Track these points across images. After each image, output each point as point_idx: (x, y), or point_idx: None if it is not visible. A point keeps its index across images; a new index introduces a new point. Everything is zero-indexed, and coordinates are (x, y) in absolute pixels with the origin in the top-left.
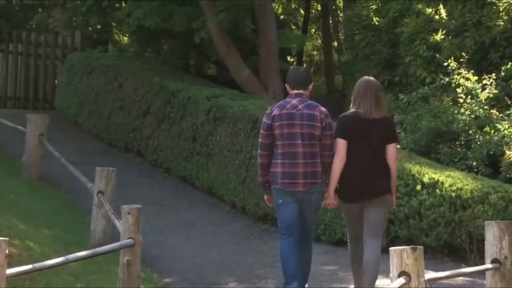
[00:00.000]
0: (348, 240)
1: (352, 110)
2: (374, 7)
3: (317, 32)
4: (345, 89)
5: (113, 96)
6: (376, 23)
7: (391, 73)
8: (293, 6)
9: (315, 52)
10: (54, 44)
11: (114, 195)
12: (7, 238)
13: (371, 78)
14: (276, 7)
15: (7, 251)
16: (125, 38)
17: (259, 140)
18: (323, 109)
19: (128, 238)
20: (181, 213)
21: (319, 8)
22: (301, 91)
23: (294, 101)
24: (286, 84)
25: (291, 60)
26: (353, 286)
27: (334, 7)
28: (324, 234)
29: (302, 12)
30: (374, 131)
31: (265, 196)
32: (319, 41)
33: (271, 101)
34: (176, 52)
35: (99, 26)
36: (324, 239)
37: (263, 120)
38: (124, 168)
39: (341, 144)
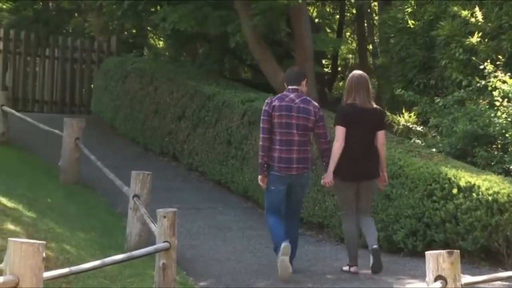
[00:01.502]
0: (344, 219)
1: (348, 102)
2: (409, 10)
3: (352, 36)
4: (380, 92)
5: (149, 100)
6: (412, 26)
7: (426, 76)
8: (328, 10)
9: (350, 56)
10: (90, 49)
11: (149, 198)
12: (44, 242)
13: (362, 72)
14: (311, 10)
15: (44, 254)
16: (161, 42)
17: (261, 125)
18: (315, 104)
19: (164, 242)
20: (216, 217)
21: (354, 12)
22: (296, 87)
23: (292, 95)
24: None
25: (326, 63)
26: (345, 266)
27: (369, 10)
28: (359, 237)
29: (337, 15)
30: (368, 119)
31: (260, 176)
32: (354, 44)
33: None
34: (211, 56)
35: (134, 31)
36: (360, 243)
37: (264, 108)
38: (159, 171)
39: (340, 131)
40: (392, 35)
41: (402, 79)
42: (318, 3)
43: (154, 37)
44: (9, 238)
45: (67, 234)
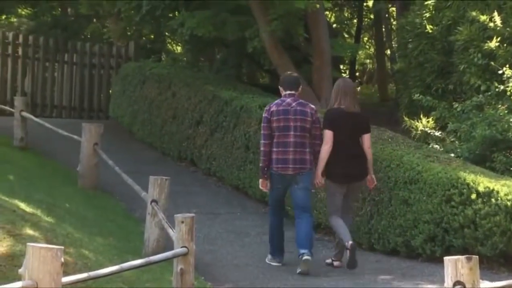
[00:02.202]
0: (331, 217)
1: (335, 106)
2: (427, 15)
3: (369, 41)
4: (398, 97)
5: (167, 105)
6: (430, 31)
7: (445, 81)
8: (346, 15)
9: (368, 61)
10: (109, 54)
11: (167, 203)
12: (62, 247)
13: (347, 78)
14: (329, 15)
15: (62, 259)
16: (179, 48)
17: (262, 131)
18: (312, 106)
19: (182, 247)
20: (234, 222)
21: (372, 17)
22: (293, 92)
23: (289, 100)
24: (279, 86)
25: (344, 68)
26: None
27: (387, 15)
28: (378, 243)
29: (354, 20)
30: (353, 123)
31: (260, 180)
32: (372, 49)
33: (324, 109)
34: (229, 61)
35: (152, 36)
36: (378, 248)
37: (264, 115)
38: (177, 177)
39: (329, 135)
40: (410, 40)
41: (420, 84)
42: (336, 8)
43: (172, 42)
44: (28, 243)
45: (86, 239)
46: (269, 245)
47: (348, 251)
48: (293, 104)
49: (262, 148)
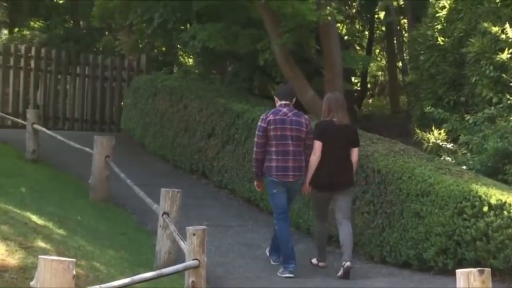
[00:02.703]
0: (317, 221)
1: (327, 119)
2: (439, 27)
3: (381, 53)
4: (410, 109)
5: (178, 117)
6: (441, 43)
7: (456, 94)
8: (357, 27)
9: (380, 73)
10: (120, 67)
11: (179, 216)
12: (74, 259)
13: (337, 93)
14: (341, 27)
15: (74, 272)
16: (190, 60)
17: (256, 139)
18: (306, 116)
19: (193, 259)
20: (246, 235)
21: (384, 29)
22: (288, 102)
23: (285, 110)
24: (275, 96)
25: (356, 80)
26: (314, 259)
27: (398, 28)
28: (390, 255)
29: (366, 32)
30: (344, 135)
31: (255, 182)
32: (384, 61)
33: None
34: (240, 74)
35: (164, 49)
36: (390, 261)
37: (259, 124)
38: (189, 189)
39: (318, 146)
40: (421, 52)
41: (432, 96)
42: (347, 21)
43: (184, 55)
44: (40, 256)
45: (97, 251)
46: (280, 256)
47: (342, 269)
48: (289, 114)
49: (255, 156)
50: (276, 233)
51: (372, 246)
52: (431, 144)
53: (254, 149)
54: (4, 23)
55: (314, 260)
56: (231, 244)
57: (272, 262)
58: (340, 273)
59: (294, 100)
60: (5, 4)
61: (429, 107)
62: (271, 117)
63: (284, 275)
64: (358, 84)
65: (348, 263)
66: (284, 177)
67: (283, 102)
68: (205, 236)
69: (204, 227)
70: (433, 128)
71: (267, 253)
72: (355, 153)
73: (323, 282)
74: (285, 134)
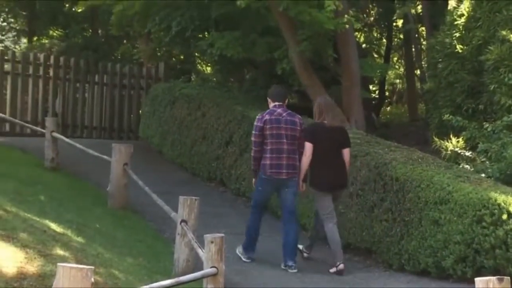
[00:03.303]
0: (326, 223)
1: (318, 121)
2: (457, 34)
3: (399, 61)
4: (428, 117)
5: (196, 125)
6: (460, 51)
7: (475, 101)
8: (375, 35)
9: (398, 81)
10: (139, 75)
11: (197, 224)
12: (92, 267)
13: (327, 97)
14: (358, 36)
15: (92, 280)
16: (208, 68)
17: (253, 138)
18: (299, 116)
19: (211, 267)
20: (264, 242)
21: (402, 37)
22: (281, 103)
23: (279, 110)
24: (268, 98)
25: (374, 88)
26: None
27: (416, 35)
28: (408, 264)
29: (384, 40)
30: (336, 137)
31: (254, 180)
32: (402, 69)
33: (355, 130)
34: (258, 82)
35: (182, 57)
36: (408, 269)
37: (256, 123)
38: (206, 197)
39: (309, 147)
40: (440, 60)
41: (450, 104)
42: (365, 29)
43: (202, 63)
44: (58, 263)
45: (116, 259)
46: (245, 238)
47: (336, 269)
48: (284, 114)
49: (253, 155)
50: (248, 222)
51: (390, 254)
52: (449, 152)
53: (252, 147)
54: (23, 31)
55: (300, 247)
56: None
57: (244, 260)
58: (333, 270)
59: (286, 101)
60: (24, 13)
61: (448, 115)
62: (267, 117)
63: (243, 257)
64: (376, 92)
65: (341, 265)
66: (278, 174)
67: (276, 103)
68: (223, 244)
69: (222, 235)
70: (451, 136)
71: (238, 253)
72: (346, 153)
73: None
74: (280, 133)
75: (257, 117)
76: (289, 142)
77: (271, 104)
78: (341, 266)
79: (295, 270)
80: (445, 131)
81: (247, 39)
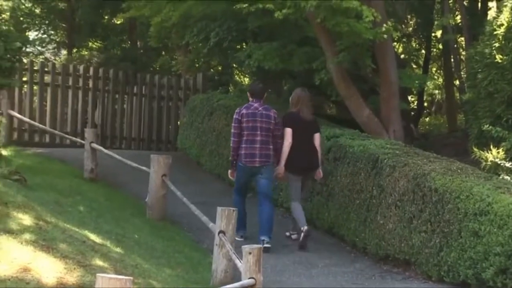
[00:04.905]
0: (292, 201)
1: (294, 110)
2: (497, 44)
3: (438, 71)
4: (467, 128)
5: None
6: (500, 61)
7: None
8: (414, 45)
9: (437, 91)
10: (177, 86)
11: (235, 234)
12: (131, 277)
13: (305, 89)
14: (397, 46)
15: None
16: (246, 79)
17: (232, 130)
18: (274, 110)
19: (249, 278)
20: (302, 253)
21: (440, 47)
22: (258, 99)
23: (256, 105)
24: (248, 93)
25: (412, 99)
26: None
27: (455, 46)
28: (448, 275)
29: (423, 51)
30: (308, 125)
31: (229, 171)
32: (441, 80)
33: (392, 140)
34: None
35: (220, 68)
36: (448, 280)
37: (234, 116)
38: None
39: (289, 132)
40: (479, 70)
41: (490, 115)
42: (404, 39)
43: (240, 74)
44: (98, 274)
45: (154, 270)
46: (245, 231)
47: (302, 234)
48: (260, 108)
49: (231, 145)
50: (233, 202)
51: (429, 266)
52: (489, 162)
53: (231, 138)
54: (63, 43)
55: (288, 233)
56: (287, 262)
57: (237, 238)
58: (295, 236)
59: (264, 96)
60: (64, 25)
61: (487, 125)
62: (244, 111)
63: (236, 237)
64: (415, 103)
65: (306, 227)
66: (251, 162)
67: (254, 98)
68: (261, 255)
69: (260, 245)
70: (491, 146)
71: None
72: (317, 138)
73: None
74: (255, 126)
75: (236, 110)
76: (264, 134)
77: (250, 99)
78: (305, 227)
79: (269, 245)
80: (484, 141)
81: (285, 49)
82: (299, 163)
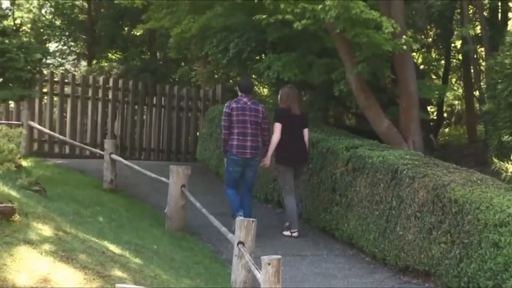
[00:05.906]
0: (286, 196)
1: (284, 106)
2: None
3: (458, 82)
4: (487, 138)
5: None
6: None
7: None
8: (433, 56)
9: (456, 102)
10: (196, 97)
11: (254, 245)
12: None
13: (293, 86)
14: (416, 57)
15: None
16: (265, 90)
17: (222, 123)
18: (262, 105)
19: None
20: (321, 264)
21: (460, 57)
22: (247, 94)
23: (245, 99)
24: (236, 88)
25: (432, 110)
26: (287, 232)
27: (475, 56)
28: (468, 286)
29: (442, 61)
30: (298, 121)
31: (225, 159)
32: (460, 90)
33: (411, 151)
34: (315, 103)
35: (239, 79)
36: None
37: (224, 110)
38: (264, 218)
39: (278, 127)
40: (499, 80)
41: (510, 125)
42: (423, 49)
43: (259, 84)
44: (117, 284)
45: (173, 280)
46: (231, 207)
47: (291, 233)
48: (248, 103)
49: (222, 136)
50: (228, 196)
51: (449, 277)
52: (509, 173)
53: (222, 131)
54: (83, 55)
55: (286, 233)
56: (306, 273)
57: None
58: (286, 233)
59: (252, 92)
60: (84, 36)
61: (507, 136)
62: (234, 105)
63: (238, 215)
64: (434, 113)
65: (296, 233)
66: (243, 154)
67: (243, 93)
68: (280, 266)
69: (279, 256)
70: (511, 157)
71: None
72: (306, 133)
73: None
74: (245, 119)
75: (226, 104)
76: (253, 127)
77: (239, 94)
78: (296, 233)
79: (240, 216)
80: (505, 152)
81: (304, 60)
82: (290, 153)
